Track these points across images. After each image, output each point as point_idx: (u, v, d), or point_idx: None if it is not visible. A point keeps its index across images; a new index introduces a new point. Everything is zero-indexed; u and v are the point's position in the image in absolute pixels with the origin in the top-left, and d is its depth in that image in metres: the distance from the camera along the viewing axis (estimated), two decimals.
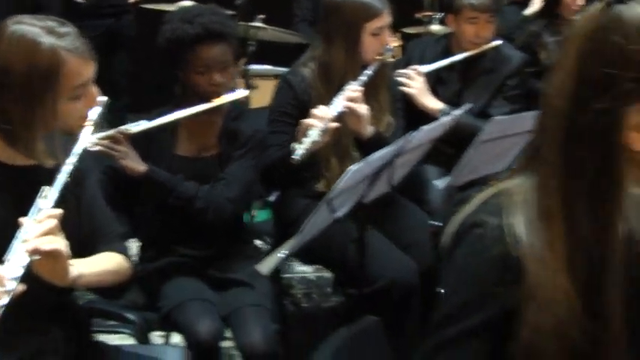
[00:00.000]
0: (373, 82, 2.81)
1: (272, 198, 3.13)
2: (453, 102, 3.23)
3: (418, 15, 4.25)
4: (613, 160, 1.08)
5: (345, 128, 2.67)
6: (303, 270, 3.93)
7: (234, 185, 2.54)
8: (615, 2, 1.07)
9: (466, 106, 2.86)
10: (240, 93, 2.53)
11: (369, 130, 2.66)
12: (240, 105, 2.77)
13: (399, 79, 3.16)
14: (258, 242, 3.14)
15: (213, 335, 2.34)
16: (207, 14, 2.51)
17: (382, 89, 2.87)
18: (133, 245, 2.55)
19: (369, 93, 2.80)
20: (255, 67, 4.86)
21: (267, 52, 4.74)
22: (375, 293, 2.53)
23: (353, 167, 1.81)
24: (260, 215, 3.71)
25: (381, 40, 2.78)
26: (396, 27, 5.07)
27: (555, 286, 1.09)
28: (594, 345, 1.10)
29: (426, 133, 2.18)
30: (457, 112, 2.49)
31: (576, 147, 1.08)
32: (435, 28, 4.41)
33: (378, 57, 2.80)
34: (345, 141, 2.74)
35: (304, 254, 2.97)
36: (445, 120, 2.30)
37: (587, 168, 1.08)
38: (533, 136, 1.17)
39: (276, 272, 3.03)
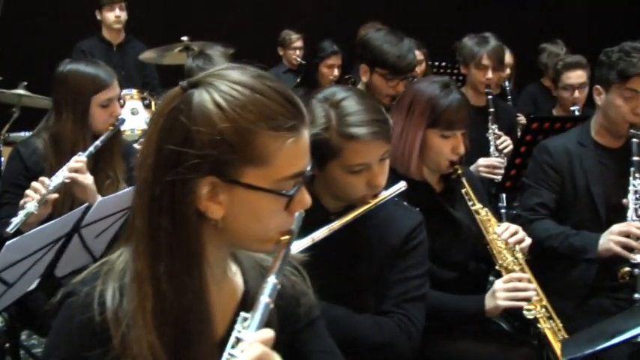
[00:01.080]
0: (107, 151, 2.86)
1: None
2: None
3: None
4: (187, 226, 1.19)
5: (75, 198, 2.69)
6: None
7: None
8: (190, 87, 1.21)
9: None
10: None
11: (97, 199, 2.68)
12: None
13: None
14: None
15: None
16: None
17: (116, 158, 2.92)
18: None
19: (104, 162, 2.86)
20: (19, 135, 4.75)
21: (32, 119, 4.64)
22: None
23: (9, 242, 1.84)
24: None
25: (110, 111, 2.84)
26: None
27: (144, 344, 1.18)
28: None
29: (108, 202, 2.23)
30: None
31: (156, 214, 1.19)
32: None
33: (110, 127, 2.86)
34: None
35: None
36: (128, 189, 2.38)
37: (165, 234, 1.19)
38: (132, 205, 1.27)
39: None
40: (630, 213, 2.75)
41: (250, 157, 1.17)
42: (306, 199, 1.26)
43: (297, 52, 6.19)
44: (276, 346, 1.28)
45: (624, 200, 2.76)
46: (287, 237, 1.25)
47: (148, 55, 5.05)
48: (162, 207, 1.18)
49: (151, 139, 1.21)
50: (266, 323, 1.17)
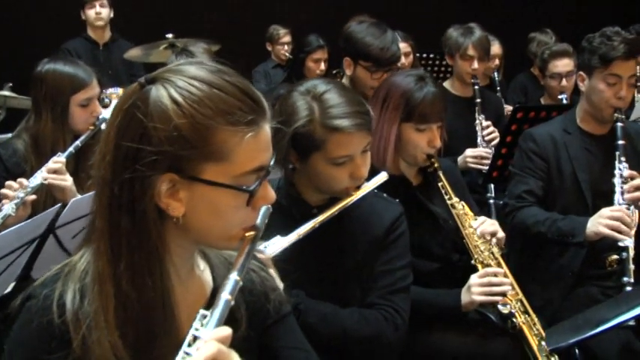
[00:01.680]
0: (89, 151, 2.83)
1: None
2: None
3: None
4: (147, 224, 1.16)
5: (57, 199, 2.66)
6: None
7: None
8: (147, 83, 1.18)
9: None
10: None
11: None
12: None
13: None
14: None
15: None
16: None
17: None
18: None
19: (85, 162, 2.82)
20: (5, 136, 4.71)
21: (18, 121, 4.61)
22: None
23: None
24: None
25: (90, 110, 2.80)
26: None
27: (105, 344, 1.15)
28: None
29: (83, 202, 2.20)
30: None
31: (116, 212, 1.17)
32: None
33: (90, 127, 2.83)
34: None
35: None
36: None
37: (126, 232, 1.16)
38: (92, 204, 1.24)
39: None
40: (617, 197, 2.73)
41: (209, 153, 1.15)
42: (270, 194, 1.23)
43: (286, 47, 6.15)
44: (246, 342, 1.27)
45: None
46: (252, 233, 1.23)
47: (133, 53, 5.01)
48: (121, 205, 1.16)
49: (109, 137, 1.18)
50: (234, 319, 1.15)
